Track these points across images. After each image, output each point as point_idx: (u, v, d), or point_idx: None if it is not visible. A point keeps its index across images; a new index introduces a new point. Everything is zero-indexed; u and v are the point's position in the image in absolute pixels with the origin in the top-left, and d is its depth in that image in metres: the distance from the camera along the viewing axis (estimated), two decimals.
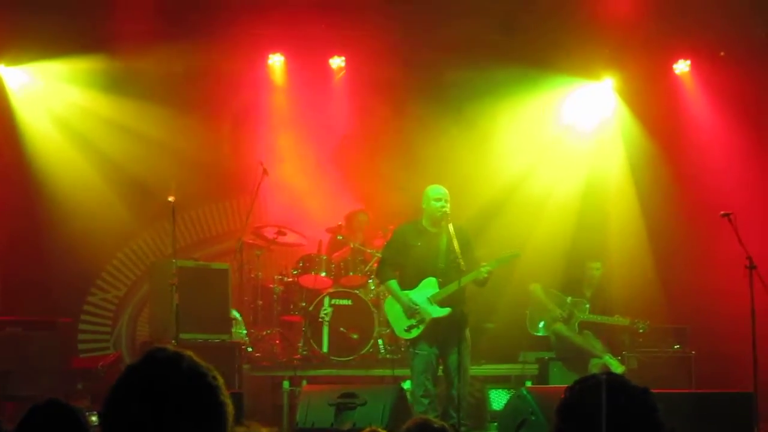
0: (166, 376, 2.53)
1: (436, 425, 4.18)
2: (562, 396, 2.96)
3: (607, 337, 12.13)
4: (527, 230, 13.17)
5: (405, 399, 9.44)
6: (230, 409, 2.61)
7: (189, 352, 2.61)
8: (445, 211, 9.72)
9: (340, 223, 12.75)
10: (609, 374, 3.01)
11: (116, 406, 2.54)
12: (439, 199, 9.80)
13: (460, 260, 9.24)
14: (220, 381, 2.62)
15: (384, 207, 13.64)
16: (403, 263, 10.07)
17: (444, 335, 9.78)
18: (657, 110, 13.56)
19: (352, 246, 12.52)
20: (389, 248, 10.32)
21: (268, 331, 12.35)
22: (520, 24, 12.91)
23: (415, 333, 9.83)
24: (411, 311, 9.81)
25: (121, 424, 2.51)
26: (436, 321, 9.75)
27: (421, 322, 9.79)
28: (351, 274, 12.31)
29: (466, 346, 9.70)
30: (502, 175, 13.55)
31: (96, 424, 5.85)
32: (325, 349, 11.88)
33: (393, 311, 10.05)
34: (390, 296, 10.19)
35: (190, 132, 13.24)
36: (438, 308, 9.77)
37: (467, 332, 9.81)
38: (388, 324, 10.53)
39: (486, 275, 9.69)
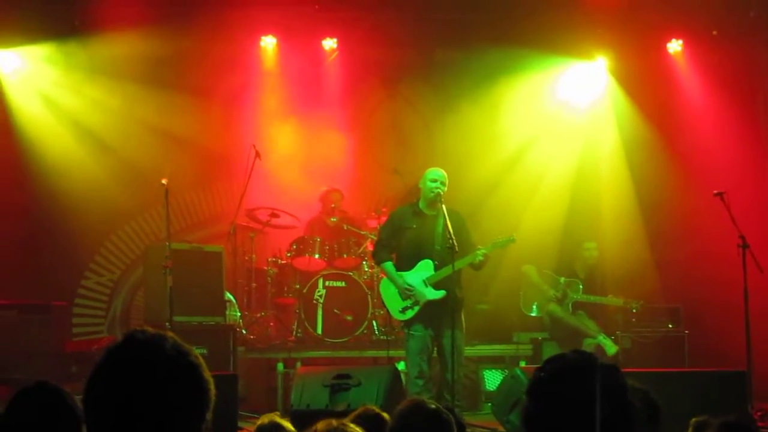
0: (149, 356, 2.52)
1: (430, 406, 4.18)
2: (532, 377, 2.96)
3: (600, 317, 12.17)
4: (521, 211, 13.17)
5: (400, 380, 9.44)
6: (213, 387, 2.60)
7: (171, 333, 2.61)
8: (439, 192, 9.71)
9: (333, 205, 12.73)
10: (577, 353, 2.99)
11: (98, 390, 2.52)
12: (435, 180, 9.80)
13: (453, 240, 9.24)
14: (202, 360, 2.61)
15: (377, 189, 13.65)
16: (398, 245, 10.09)
17: (439, 317, 9.79)
18: (650, 90, 13.54)
19: (345, 228, 12.52)
20: (385, 230, 10.33)
21: (263, 314, 12.36)
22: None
23: (409, 314, 9.86)
24: (406, 293, 9.84)
25: (104, 408, 2.50)
26: (431, 303, 9.77)
27: (415, 303, 9.82)
28: (345, 256, 12.30)
29: (460, 328, 9.73)
30: (496, 156, 13.54)
31: None
32: (319, 330, 11.91)
33: (388, 292, 10.07)
34: (385, 278, 10.21)
35: (183, 115, 13.21)
36: (433, 290, 9.79)
37: (462, 315, 9.83)
38: (382, 305, 10.53)
39: (482, 259, 9.71)
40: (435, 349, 9.91)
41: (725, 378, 8.92)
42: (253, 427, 5.18)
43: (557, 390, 2.84)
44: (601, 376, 2.83)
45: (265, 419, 4.95)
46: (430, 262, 9.89)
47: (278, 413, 4.44)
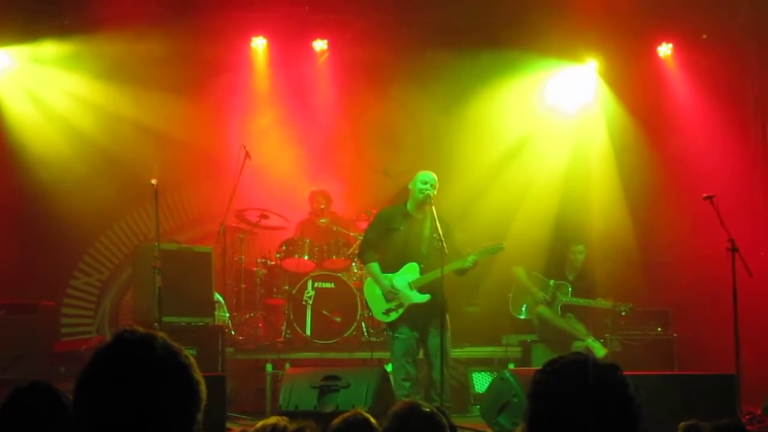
0: (139, 356, 2.51)
1: (425, 409, 4.17)
2: (533, 378, 2.96)
3: (589, 319, 12.18)
4: (510, 213, 13.16)
5: (388, 381, 9.44)
6: (203, 387, 2.59)
7: (161, 333, 2.59)
8: (428, 194, 9.69)
9: (322, 206, 12.74)
10: (576, 354, 3.01)
11: (87, 390, 2.51)
12: (426, 183, 9.78)
13: (443, 241, 9.23)
14: (192, 360, 2.60)
15: (367, 190, 13.63)
16: (385, 246, 10.07)
17: (424, 320, 9.79)
18: (640, 93, 13.56)
19: (335, 230, 12.51)
20: (372, 230, 10.30)
21: (251, 315, 12.34)
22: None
23: (393, 317, 9.86)
24: (390, 295, 9.83)
25: (93, 408, 2.48)
26: (415, 306, 9.77)
27: (399, 306, 9.82)
28: (334, 257, 12.30)
29: (446, 330, 9.71)
30: (486, 159, 13.54)
31: None
32: (308, 332, 11.90)
33: (372, 294, 10.06)
34: (370, 278, 10.20)
35: (173, 115, 13.17)
36: (418, 294, 9.79)
37: (447, 317, 9.82)
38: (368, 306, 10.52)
39: (471, 264, 9.71)
40: (420, 351, 9.91)
41: (714, 381, 8.93)
42: (239, 428, 5.10)
43: (558, 391, 2.85)
44: (596, 373, 2.84)
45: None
46: (415, 265, 9.88)
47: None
